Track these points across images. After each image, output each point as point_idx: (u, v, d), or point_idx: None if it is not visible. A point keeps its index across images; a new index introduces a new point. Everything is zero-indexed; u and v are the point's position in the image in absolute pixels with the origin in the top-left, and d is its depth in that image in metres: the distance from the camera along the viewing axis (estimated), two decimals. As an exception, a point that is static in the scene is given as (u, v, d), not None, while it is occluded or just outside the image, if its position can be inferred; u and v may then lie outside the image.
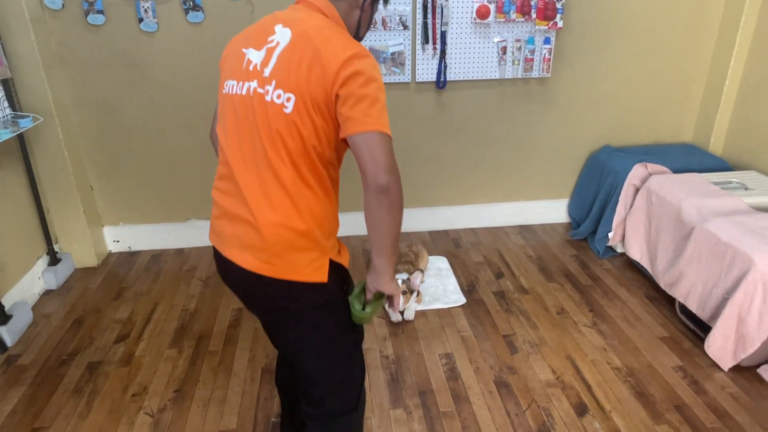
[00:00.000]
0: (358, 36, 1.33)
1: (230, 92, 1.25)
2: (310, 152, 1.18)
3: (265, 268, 1.20)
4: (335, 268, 1.26)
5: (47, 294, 2.67)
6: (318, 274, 1.21)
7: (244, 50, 1.25)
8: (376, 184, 1.13)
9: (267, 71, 1.18)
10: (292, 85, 1.15)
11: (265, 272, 1.20)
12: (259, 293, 1.26)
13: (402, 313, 2.43)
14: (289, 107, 1.15)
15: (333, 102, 1.15)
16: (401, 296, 2.16)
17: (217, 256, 1.31)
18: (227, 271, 1.29)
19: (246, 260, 1.21)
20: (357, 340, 1.40)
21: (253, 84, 1.19)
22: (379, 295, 1.29)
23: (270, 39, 1.20)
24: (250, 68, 1.21)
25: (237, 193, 1.22)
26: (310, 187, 1.20)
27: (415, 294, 2.44)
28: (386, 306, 2.21)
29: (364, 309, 1.28)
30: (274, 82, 1.16)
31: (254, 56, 1.21)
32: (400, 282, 2.33)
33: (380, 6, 1.34)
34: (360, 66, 1.13)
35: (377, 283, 1.25)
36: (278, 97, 1.16)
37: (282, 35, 1.19)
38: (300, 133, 1.16)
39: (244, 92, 1.21)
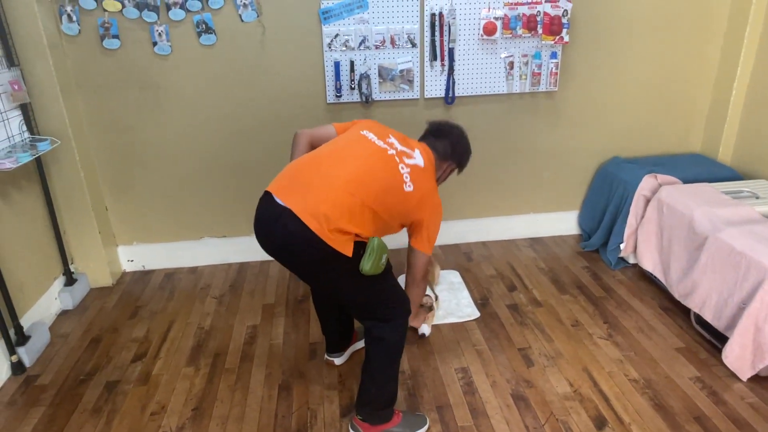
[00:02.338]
0: (437, 181, 1.99)
1: (369, 138, 1.81)
2: (382, 213, 1.71)
3: (318, 229, 1.60)
4: (358, 243, 1.70)
5: (64, 314, 2.70)
6: (346, 249, 1.65)
7: (390, 134, 1.86)
8: (417, 282, 1.98)
9: (407, 160, 1.79)
10: (417, 184, 1.78)
11: (318, 232, 1.60)
12: (303, 245, 1.62)
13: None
14: (407, 189, 1.76)
15: (415, 217, 1.83)
16: (427, 327, 2.45)
17: (270, 204, 1.67)
18: (276, 222, 1.64)
19: (308, 220, 1.60)
20: (387, 275, 1.80)
21: (392, 152, 1.78)
22: (378, 253, 1.68)
23: (410, 152, 1.84)
24: (392, 146, 1.80)
25: (324, 186, 1.65)
26: (366, 220, 1.69)
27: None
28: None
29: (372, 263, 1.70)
30: (409, 170, 1.78)
31: (397, 145, 1.83)
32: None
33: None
34: (438, 213, 1.88)
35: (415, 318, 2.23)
36: (406, 177, 1.76)
37: (419, 159, 1.84)
38: (394, 201, 1.73)
39: (382, 146, 1.79)
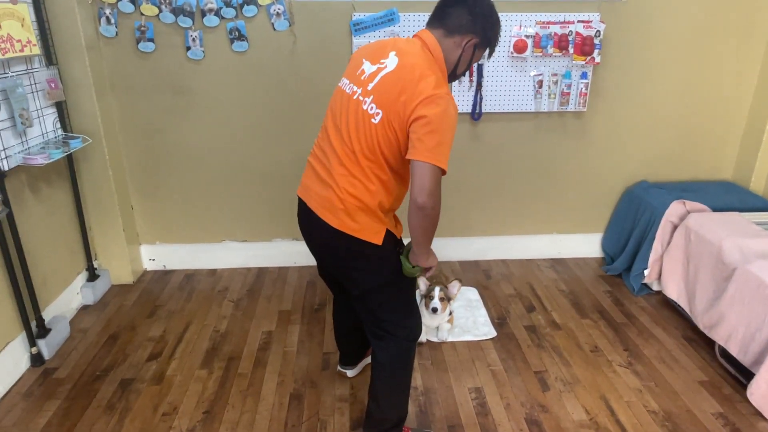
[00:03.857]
0: (455, 73, 1.63)
1: (343, 88, 1.61)
2: (380, 157, 1.52)
3: (340, 224, 1.56)
4: (390, 235, 1.64)
5: (84, 309, 2.74)
6: (375, 238, 1.58)
7: (363, 60, 1.59)
8: (416, 202, 1.46)
9: (370, 86, 1.52)
10: (383, 103, 1.48)
11: (340, 227, 1.56)
12: (331, 242, 1.61)
13: (436, 328, 2.49)
14: (377, 120, 1.49)
15: (407, 125, 1.46)
16: (440, 302, 2.36)
17: (302, 207, 1.68)
18: (308, 221, 1.65)
19: (327, 217, 1.58)
20: (409, 287, 1.75)
21: (359, 91, 1.54)
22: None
23: (382, 61, 1.53)
24: (362, 77, 1.55)
25: (328, 163, 1.58)
26: (378, 179, 1.55)
27: (448, 311, 2.45)
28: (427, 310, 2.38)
29: (413, 267, 1.67)
30: (372, 96, 1.50)
31: (367, 68, 1.55)
32: (437, 291, 2.37)
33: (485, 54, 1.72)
34: (430, 110, 1.42)
35: (417, 261, 1.65)
36: (371, 108, 1.49)
37: (391, 62, 1.51)
38: (378, 141, 1.50)
39: (349, 92, 1.57)
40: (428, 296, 2.36)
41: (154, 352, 2.40)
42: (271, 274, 3.10)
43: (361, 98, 1.53)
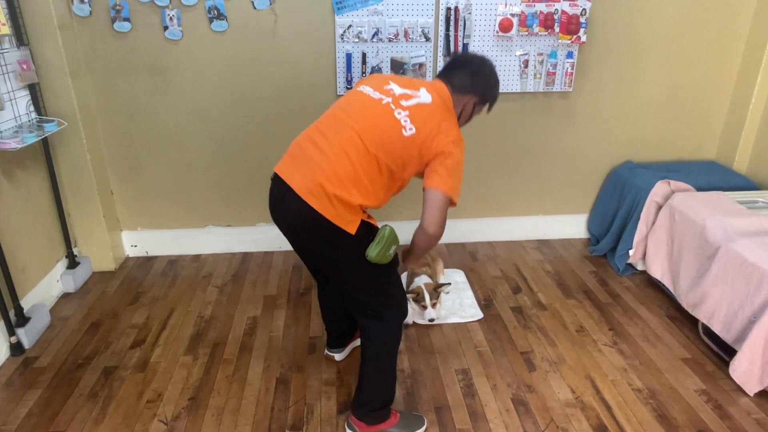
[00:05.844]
0: (458, 122, 1.80)
1: (364, 92, 1.71)
2: (389, 164, 1.62)
3: (319, 206, 1.57)
4: (366, 225, 1.65)
5: (65, 297, 2.69)
6: (350, 227, 1.60)
7: (390, 81, 1.74)
8: (427, 232, 1.69)
9: (405, 103, 1.66)
10: (422, 127, 1.63)
11: (319, 209, 1.56)
12: (306, 225, 1.61)
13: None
14: (408, 133, 1.62)
15: (433, 156, 1.64)
16: (433, 311, 2.37)
17: (278, 186, 1.65)
18: (284, 201, 1.63)
19: (308, 197, 1.57)
20: (388, 272, 1.73)
21: (389, 99, 1.66)
22: (387, 242, 1.64)
23: (413, 91, 1.70)
24: (390, 92, 1.69)
25: (328, 147, 1.60)
26: (371, 180, 1.61)
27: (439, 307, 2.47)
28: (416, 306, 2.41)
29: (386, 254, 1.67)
30: (408, 112, 1.64)
31: (396, 89, 1.70)
32: (428, 299, 2.35)
33: (485, 109, 1.89)
34: (456, 150, 1.66)
35: (410, 263, 1.89)
36: (405, 121, 1.63)
37: (424, 96, 1.69)
38: (397, 149, 1.62)
39: (375, 97, 1.68)
40: (418, 302, 2.37)
41: (137, 339, 2.37)
42: (256, 258, 3.07)
43: (392, 107, 1.64)
